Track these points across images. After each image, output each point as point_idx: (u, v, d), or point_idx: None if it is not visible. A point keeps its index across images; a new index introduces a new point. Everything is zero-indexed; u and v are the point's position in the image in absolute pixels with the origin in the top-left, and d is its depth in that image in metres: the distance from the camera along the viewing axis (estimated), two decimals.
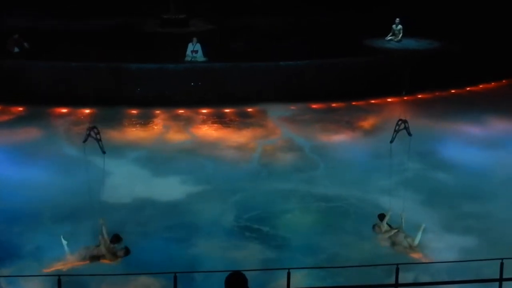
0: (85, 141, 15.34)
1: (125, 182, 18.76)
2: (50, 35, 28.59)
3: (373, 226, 15.78)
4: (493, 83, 27.32)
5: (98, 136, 15.32)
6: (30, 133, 21.91)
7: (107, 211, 15.69)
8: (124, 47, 27.27)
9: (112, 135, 21.81)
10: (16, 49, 26.36)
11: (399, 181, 17.71)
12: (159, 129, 22.94)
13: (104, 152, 15.50)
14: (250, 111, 24.47)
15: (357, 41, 28.70)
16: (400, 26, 28.80)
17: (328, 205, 17.88)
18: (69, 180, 18.05)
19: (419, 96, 26.02)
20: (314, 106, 24.94)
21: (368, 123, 23.53)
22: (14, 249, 15.38)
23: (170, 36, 29.17)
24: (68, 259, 14.73)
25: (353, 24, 30.44)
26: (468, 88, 25.76)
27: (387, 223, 15.56)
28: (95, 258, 14.71)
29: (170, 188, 18.48)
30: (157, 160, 20.40)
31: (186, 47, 26.09)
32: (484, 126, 22.93)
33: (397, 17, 28.80)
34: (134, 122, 23.37)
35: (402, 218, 15.57)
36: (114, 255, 14.72)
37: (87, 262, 14.69)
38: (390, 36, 29.03)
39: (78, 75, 24.99)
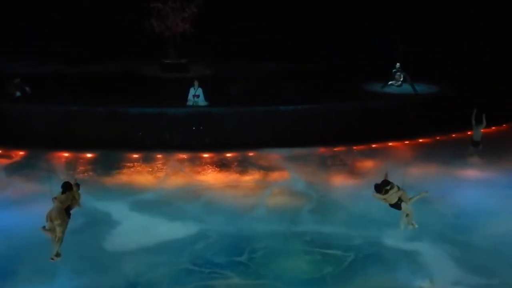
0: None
1: (126, 226, 18.79)
2: (50, 80, 28.64)
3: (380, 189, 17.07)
4: (493, 128, 27.40)
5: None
6: (30, 177, 21.79)
7: (105, 254, 15.68)
8: (125, 92, 27.33)
9: (113, 179, 21.97)
10: (18, 94, 26.43)
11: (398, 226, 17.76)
12: (160, 174, 22.88)
13: None
14: (250, 155, 24.47)
15: (357, 85, 28.88)
16: (400, 71, 29.09)
17: (327, 248, 17.85)
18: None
19: (420, 140, 26.15)
20: (315, 150, 24.93)
21: (367, 167, 23.49)
22: None
23: (171, 81, 29.29)
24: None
25: (352, 69, 30.64)
26: (469, 133, 25.78)
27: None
28: (68, 210, 15.86)
29: (170, 231, 18.53)
30: (158, 204, 20.37)
31: (188, 91, 26.22)
32: (484, 169, 23.08)
33: (398, 62, 29.13)
34: (135, 166, 23.31)
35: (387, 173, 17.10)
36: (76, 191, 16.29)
37: (66, 221, 15.64)
38: (392, 81, 29.26)
39: (78, 119, 25.09)
